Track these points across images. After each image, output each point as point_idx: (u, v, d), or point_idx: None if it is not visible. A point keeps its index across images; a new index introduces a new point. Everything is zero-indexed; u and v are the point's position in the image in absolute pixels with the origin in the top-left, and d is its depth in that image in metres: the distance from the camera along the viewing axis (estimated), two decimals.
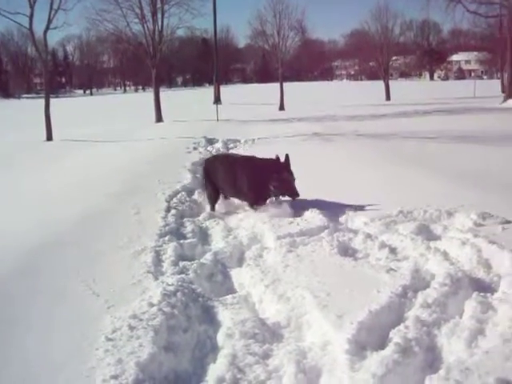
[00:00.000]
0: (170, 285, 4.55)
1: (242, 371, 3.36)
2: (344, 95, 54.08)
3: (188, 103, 50.28)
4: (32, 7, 20.97)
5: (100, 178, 10.57)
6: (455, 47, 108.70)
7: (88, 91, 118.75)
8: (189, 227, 6.66)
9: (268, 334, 3.80)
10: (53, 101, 23.50)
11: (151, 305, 4.15)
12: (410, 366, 3.19)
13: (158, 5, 28.84)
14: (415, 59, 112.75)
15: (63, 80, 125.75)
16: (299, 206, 6.84)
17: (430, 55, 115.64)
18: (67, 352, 3.60)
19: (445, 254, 4.91)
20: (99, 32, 34.43)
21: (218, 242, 6.12)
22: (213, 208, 7.72)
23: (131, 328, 3.81)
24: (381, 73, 50.66)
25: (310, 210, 6.65)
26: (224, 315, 4.15)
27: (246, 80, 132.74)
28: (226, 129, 21.25)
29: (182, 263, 5.22)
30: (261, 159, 7.53)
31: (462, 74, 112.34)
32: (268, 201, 7.29)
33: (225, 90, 60.02)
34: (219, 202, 7.82)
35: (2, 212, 8.00)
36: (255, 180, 7.15)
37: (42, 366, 3.46)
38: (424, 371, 3.18)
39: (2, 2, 23.60)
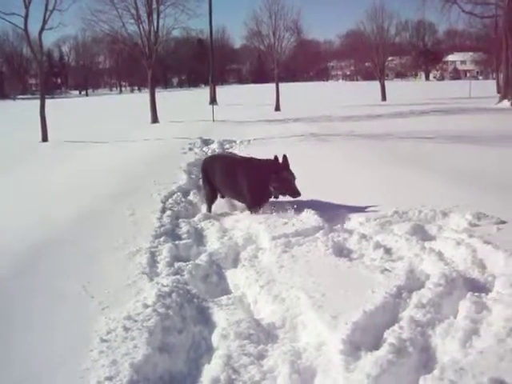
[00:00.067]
0: (164, 286, 4.55)
1: (237, 372, 3.37)
2: (340, 96, 54.12)
3: (184, 104, 50.24)
4: (27, 8, 20.94)
5: (95, 178, 10.56)
6: (451, 47, 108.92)
7: (84, 92, 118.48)
8: (184, 228, 6.66)
9: (263, 334, 3.80)
10: (48, 102, 23.46)
11: (146, 306, 4.14)
12: (405, 366, 3.20)
13: (154, 5, 28.84)
14: (411, 59, 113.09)
15: (59, 81, 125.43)
16: (294, 207, 6.84)
17: (425, 55, 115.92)
18: (62, 353, 3.59)
19: (439, 255, 4.92)
20: (95, 33, 34.41)
21: (213, 243, 6.12)
22: (209, 209, 7.70)
23: (126, 329, 3.80)
24: (376, 73, 50.71)
25: (305, 210, 6.64)
26: (219, 316, 4.15)
27: (241, 81, 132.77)
28: (221, 129, 21.24)
29: (177, 264, 5.22)
30: (260, 160, 7.49)
31: (457, 75, 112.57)
32: (267, 202, 7.23)
33: (221, 90, 59.93)
34: (216, 202, 7.79)
35: None
36: (254, 181, 7.11)
37: (37, 367, 3.45)
38: (418, 371, 3.19)
39: None
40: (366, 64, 66.41)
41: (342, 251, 5.35)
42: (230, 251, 5.67)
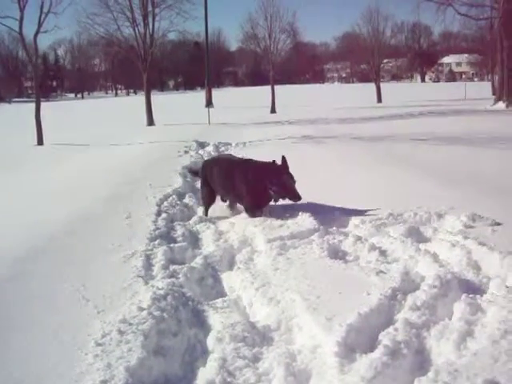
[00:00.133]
0: (160, 289, 4.54)
1: (232, 375, 3.36)
2: (336, 98, 54.26)
3: (180, 107, 50.26)
4: (22, 11, 20.93)
5: (91, 181, 10.54)
6: (446, 49, 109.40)
7: (79, 95, 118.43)
8: (179, 231, 6.64)
9: (258, 337, 3.80)
10: (44, 105, 23.46)
11: (141, 309, 4.13)
12: (399, 368, 3.20)
13: (149, 8, 28.86)
14: (406, 62, 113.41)
15: (54, 84, 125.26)
16: (290, 209, 6.84)
17: (421, 57, 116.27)
18: (56, 357, 3.58)
19: (434, 256, 4.92)
20: (90, 36, 34.46)
21: (208, 246, 6.11)
22: (206, 212, 7.65)
23: (121, 332, 3.79)
24: (372, 75, 50.89)
25: (300, 212, 6.63)
26: (214, 319, 4.14)
27: (237, 83, 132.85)
28: (217, 132, 21.26)
29: (172, 267, 5.20)
30: (259, 162, 7.32)
31: (452, 77, 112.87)
32: (267, 205, 7.16)
33: (217, 93, 59.99)
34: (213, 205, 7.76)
35: None
36: (254, 184, 6.98)
37: (31, 372, 3.44)
38: (413, 373, 3.19)
39: None
40: (362, 66, 66.69)
41: (337, 253, 5.35)
42: (225, 254, 5.65)
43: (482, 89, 50.21)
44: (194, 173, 8.72)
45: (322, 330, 3.62)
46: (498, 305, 3.74)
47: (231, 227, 6.83)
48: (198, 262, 5.35)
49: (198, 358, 3.68)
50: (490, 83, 50.49)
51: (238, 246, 5.89)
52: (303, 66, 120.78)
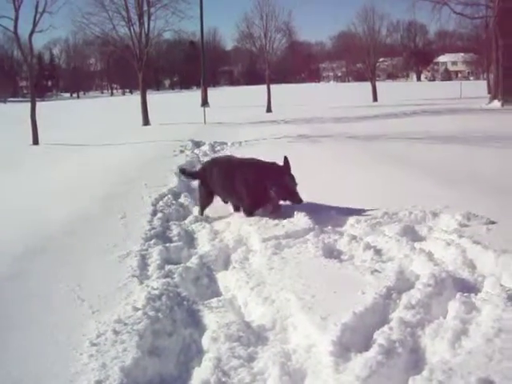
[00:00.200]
0: (155, 289, 4.53)
1: (227, 374, 3.36)
2: (331, 97, 54.26)
3: (175, 106, 50.21)
4: (17, 10, 20.86)
5: (86, 181, 10.52)
6: (442, 48, 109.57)
7: (75, 94, 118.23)
8: (175, 231, 6.64)
9: (253, 336, 3.79)
10: (39, 104, 23.40)
11: (136, 309, 4.13)
12: (394, 367, 3.20)
13: (145, 7, 28.84)
14: (402, 60, 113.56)
15: (49, 83, 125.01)
16: (285, 208, 6.83)
17: (416, 56, 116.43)
18: (51, 357, 3.57)
19: (429, 255, 4.92)
20: (86, 35, 34.43)
21: (203, 246, 6.10)
22: (202, 212, 7.59)
23: (116, 333, 3.79)
24: (368, 74, 51.00)
25: (295, 212, 6.62)
26: (209, 318, 4.14)
27: (233, 82, 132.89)
28: (213, 131, 21.24)
29: (167, 267, 5.20)
30: (260, 162, 7.19)
31: (448, 75, 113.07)
32: (267, 207, 7.05)
33: (212, 92, 59.99)
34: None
35: None
36: (254, 186, 6.86)
37: (25, 372, 3.43)
38: (408, 372, 3.19)
39: None
40: (358, 65, 66.74)
41: (332, 252, 5.35)
42: (220, 253, 5.64)
43: (478, 87, 50.26)
44: (188, 175, 8.55)
45: (316, 330, 3.63)
46: (492, 303, 3.74)
47: (227, 226, 6.82)
48: (193, 261, 5.35)
49: (193, 358, 3.67)
50: (485, 82, 50.66)
51: (233, 245, 5.88)
52: (299, 65, 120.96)
